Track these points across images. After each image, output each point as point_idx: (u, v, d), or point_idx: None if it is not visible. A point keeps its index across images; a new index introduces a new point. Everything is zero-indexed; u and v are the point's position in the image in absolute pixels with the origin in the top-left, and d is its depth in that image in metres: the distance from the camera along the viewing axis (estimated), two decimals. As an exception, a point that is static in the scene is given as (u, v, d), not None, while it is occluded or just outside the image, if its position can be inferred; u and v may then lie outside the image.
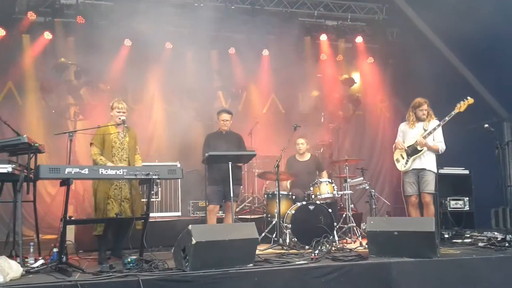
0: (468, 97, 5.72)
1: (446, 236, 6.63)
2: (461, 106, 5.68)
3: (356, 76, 10.16)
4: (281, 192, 6.55)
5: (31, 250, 4.60)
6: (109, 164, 5.17)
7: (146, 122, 8.95)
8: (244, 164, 6.37)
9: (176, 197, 7.69)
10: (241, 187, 6.44)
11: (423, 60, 8.38)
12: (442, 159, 6.16)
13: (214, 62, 9.39)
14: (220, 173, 5.85)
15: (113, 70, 8.46)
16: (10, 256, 4.54)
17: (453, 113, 5.70)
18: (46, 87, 8.27)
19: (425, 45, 8.77)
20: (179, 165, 7.41)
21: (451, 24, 7.30)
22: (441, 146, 5.93)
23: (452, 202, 6.89)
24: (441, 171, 6.70)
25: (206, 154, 5.82)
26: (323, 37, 9.51)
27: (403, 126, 6.17)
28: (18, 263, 4.14)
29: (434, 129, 5.86)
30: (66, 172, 4.36)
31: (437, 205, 6.20)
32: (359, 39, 9.70)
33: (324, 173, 7.21)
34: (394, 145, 6.18)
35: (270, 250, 5.76)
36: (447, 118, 5.76)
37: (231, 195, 5.70)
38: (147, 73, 8.97)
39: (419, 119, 5.99)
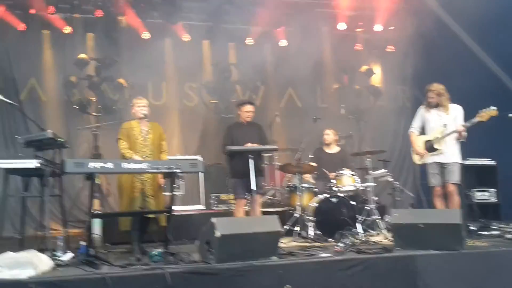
0: (492, 107, 5.61)
1: (473, 228, 6.52)
2: (484, 115, 5.60)
3: (376, 66, 10.07)
4: (303, 185, 6.60)
5: (60, 244, 4.70)
6: (136, 157, 5.24)
7: (168, 117, 9.02)
8: (265, 155, 6.42)
9: (198, 191, 7.76)
10: (263, 178, 6.46)
11: (445, 49, 8.26)
12: (467, 150, 6.10)
13: (231, 55, 9.39)
14: (244, 165, 5.87)
15: (132, 65, 8.58)
16: (40, 250, 4.64)
17: (474, 120, 5.65)
18: (68, 83, 8.41)
19: (447, 34, 8.63)
20: (200, 159, 7.48)
21: (473, 11, 7.17)
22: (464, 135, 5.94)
23: (478, 194, 6.81)
24: (466, 162, 6.59)
25: (226, 147, 5.88)
26: (341, 27, 9.41)
27: (422, 110, 6.15)
28: (48, 256, 4.26)
29: (453, 131, 5.79)
30: (90, 167, 4.43)
31: (462, 196, 6.13)
32: (378, 27, 9.56)
33: (348, 169, 7.15)
34: (409, 132, 6.14)
35: (294, 243, 5.75)
36: (468, 124, 5.72)
37: (253, 188, 5.77)
38: (166, 68, 9.02)
39: (429, 105, 5.99)
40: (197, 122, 9.28)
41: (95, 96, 8.54)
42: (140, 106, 5.48)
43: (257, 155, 6.09)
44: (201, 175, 7.75)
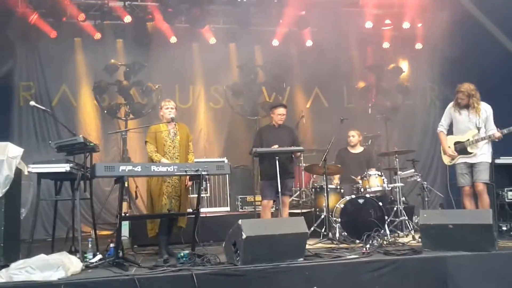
0: None
1: (504, 228, 6.40)
2: None
3: (404, 64, 9.90)
4: (329, 186, 6.56)
5: (90, 245, 4.81)
6: (164, 160, 5.29)
7: (194, 120, 9.16)
8: (295, 157, 6.43)
9: (225, 193, 7.81)
10: (293, 180, 6.48)
11: (475, 45, 8.05)
12: (498, 149, 5.95)
13: (257, 57, 9.45)
14: (272, 168, 5.91)
15: (160, 70, 8.70)
16: (70, 252, 4.77)
17: None
18: (98, 88, 8.59)
19: (477, 29, 8.41)
20: (226, 161, 7.54)
21: (505, 5, 6.96)
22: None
23: (510, 193, 6.61)
24: (498, 161, 6.43)
25: (254, 150, 5.91)
26: (368, 25, 9.25)
27: (451, 109, 5.99)
28: (78, 258, 4.36)
29: (489, 137, 5.66)
30: (120, 170, 4.52)
31: (493, 196, 5.98)
32: (406, 25, 9.41)
33: (374, 168, 7.05)
34: (438, 131, 6.04)
35: (320, 245, 5.76)
36: (506, 132, 5.60)
37: (279, 190, 5.79)
38: (192, 71, 9.16)
39: (459, 105, 5.85)
40: (223, 124, 9.36)
41: (124, 101, 8.69)
42: (168, 108, 5.53)
43: (287, 156, 6.13)
44: (227, 177, 7.80)
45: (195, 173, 4.83)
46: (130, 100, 8.71)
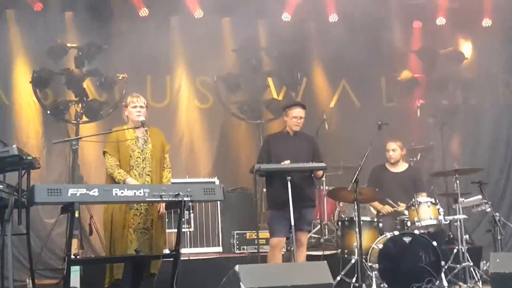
0: None
1: None
2: None
3: (466, 47, 9.92)
4: (363, 218, 6.51)
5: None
6: (130, 180, 5.34)
7: (172, 125, 9.21)
8: (316, 178, 6.46)
9: (216, 227, 7.80)
10: (314, 209, 6.49)
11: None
12: None
13: (261, 37, 9.53)
14: (284, 192, 5.92)
15: (125, 54, 8.72)
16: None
17: None
18: (39, 79, 8.45)
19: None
20: (217, 182, 7.59)
21: None
22: None
23: None
24: None
25: (257, 166, 5.93)
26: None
27: None
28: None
29: None
30: (69, 194, 4.51)
31: None
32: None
33: (423, 193, 7.09)
34: None
35: (350, 300, 5.77)
36: None
37: (292, 223, 5.77)
38: (171, 56, 9.27)
39: None
40: (213, 130, 9.42)
41: (75, 97, 8.70)
42: (136, 107, 5.58)
43: (304, 176, 6.17)
44: (219, 204, 7.80)
45: (174, 198, 4.83)
46: (83, 96, 8.71)
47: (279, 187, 6.06)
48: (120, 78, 8.78)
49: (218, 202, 7.60)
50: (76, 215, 4.59)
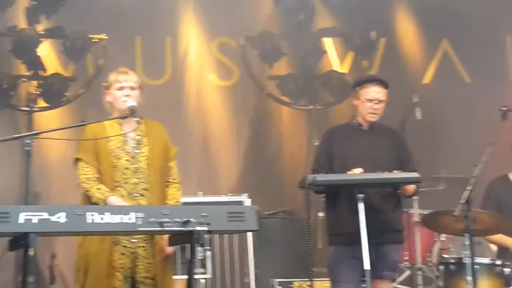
0: None
1: None
2: None
3: None
4: (479, 260, 6.39)
5: None
6: (114, 199, 5.28)
7: (176, 114, 9.37)
8: (404, 195, 6.38)
9: (245, 272, 7.79)
10: (401, 246, 6.42)
11: None
12: None
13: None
14: (353, 218, 5.84)
15: (104, 5, 8.78)
16: None
17: None
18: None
19: None
20: (248, 202, 7.58)
21: None
22: None
23: None
24: None
25: (310, 178, 5.86)
26: None
27: None
28: None
29: None
30: (21, 221, 4.43)
31: None
32: None
33: None
34: None
35: None
36: None
37: (366, 267, 5.73)
38: (175, 8, 9.51)
39: None
40: (239, 121, 9.68)
41: (26, 71, 8.94)
42: (124, 88, 5.53)
43: (385, 194, 6.16)
44: (251, 237, 7.78)
45: (182, 228, 4.78)
46: (38, 68, 8.85)
47: (346, 211, 6.02)
48: (96, 40, 8.84)
49: (250, 233, 7.58)
50: (32, 252, 4.58)
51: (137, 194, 5.44)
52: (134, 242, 5.37)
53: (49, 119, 8.64)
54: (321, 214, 7.67)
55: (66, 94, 8.84)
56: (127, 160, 5.45)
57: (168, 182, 5.62)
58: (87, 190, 5.36)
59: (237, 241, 7.77)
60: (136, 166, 5.47)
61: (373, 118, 6.27)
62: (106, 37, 8.87)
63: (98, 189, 5.34)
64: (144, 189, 5.46)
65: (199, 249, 4.95)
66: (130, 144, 5.50)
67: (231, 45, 9.62)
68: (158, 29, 9.44)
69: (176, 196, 5.62)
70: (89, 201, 5.35)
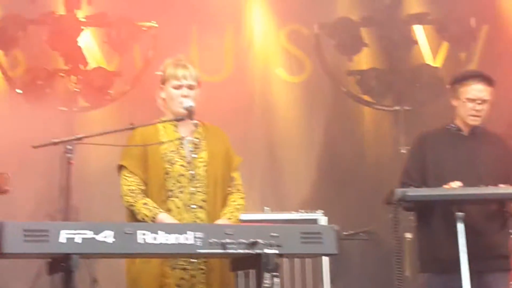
0: None
1: None
2: None
3: None
4: None
5: None
6: (164, 216, 5.34)
7: (237, 116, 9.40)
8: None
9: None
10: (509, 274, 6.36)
11: None
12: None
13: None
14: (451, 241, 5.86)
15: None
16: None
17: None
18: (1, 33, 8.82)
19: None
20: (324, 220, 7.58)
21: None
22: None
23: None
24: None
25: (399, 192, 5.80)
26: None
27: None
28: None
29: None
30: (62, 240, 4.50)
31: None
32: None
33: None
34: None
35: None
36: None
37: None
38: None
39: None
40: (312, 124, 9.74)
41: (64, 64, 9.08)
42: (183, 87, 5.55)
43: (489, 213, 6.15)
44: (327, 263, 7.76)
45: (248, 250, 4.80)
46: (78, 61, 8.95)
47: (442, 232, 6.08)
48: (145, 29, 8.91)
49: (326, 258, 7.54)
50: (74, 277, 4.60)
51: (195, 206, 5.47)
52: (193, 262, 5.40)
53: (90, 120, 8.74)
54: (408, 235, 7.60)
55: (110, 91, 8.89)
56: (182, 165, 5.50)
57: (230, 192, 5.63)
58: (131, 205, 5.41)
59: (311, 266, 7.74)
60: (192, 172, 5.52)
61: (475, 122, 6.27)
62: (157, 25, 8.89)
63: (145, 204, 5.37)
64: (202, 200, 5.50)
65: (266, 275, 4.95)
66: (187, 148, 5.56)
67: (303, 34, 9.65)
68: (217, 16, 9.44)
69: (239, 202, 5.62)
70: (133, 217, 5.41)
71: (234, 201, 5.57)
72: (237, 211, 5.58)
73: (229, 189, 5.64)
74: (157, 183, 5.45)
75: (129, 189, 5.42)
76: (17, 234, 4.40)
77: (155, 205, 5.37)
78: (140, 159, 5.49)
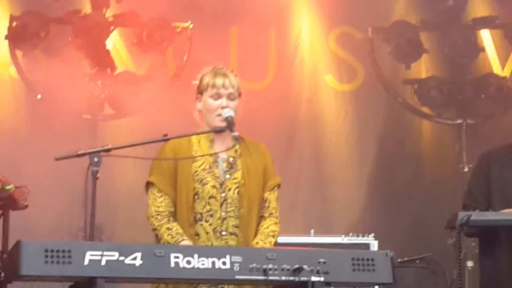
0: None
1: None
2: None
3: None
4: None
5: None
6: (186, 243, 5.30)
7: (281, 125, 9.41)
8: None
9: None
10: None
11: None
12: None
13: None
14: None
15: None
16: None
17: None
18: (20, 31, 8.92)
19: None
20: (375, 245, 7.86)
21: None
22: None
23: None
24: None
25: (462, 216, 5.79)
26: None
27: None
28: None
29: None
30: (87, 262, 4.54)
31: None
32: None
33: None
34: None
35: None
36: None
37: None
38: None
39: None
40: (364, 138, 9.60)
41: (91, 67, 9.04)
42: (222, 97, 5.54)
43: None
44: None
45: (293, 277, 4.80)
46: (106, 64, 9.03)
47: (508, 261, 6.02)
48: (179, 30, 8.96)
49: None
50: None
51: (225, 232, 5.47)
52: None
53: (117, 130, 8.77)
54: (470, 263, 7.59)
55: (139, 98, 8.94)
56: (213, 186, 5.49)
57: (264, 216, 5.61)
58: (155, 228, 5.45)
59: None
60: (223, 195, 5.50)
61: None
62: (192, 26, 8.94)
63: (169, 229, 5.38)
64: (234, 226, 5.50)
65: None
66: (221, 167, 5.55)
67: (355, 38, 9.65)
68: (260, 18, 9.43)
69: (272, 228, 5.57)
70: (157, 239, 5.47)
71: (266, 228, 5.54)
72: (271, 238, 5.53)
73: (265, 212, 5.62)
74: (186, 204, 5.47)
75: (157, 211, 5.46)
76: (37, 255, 4.39)
77: (179, 231, 5.38)
78: (170, 175, 5.52)
